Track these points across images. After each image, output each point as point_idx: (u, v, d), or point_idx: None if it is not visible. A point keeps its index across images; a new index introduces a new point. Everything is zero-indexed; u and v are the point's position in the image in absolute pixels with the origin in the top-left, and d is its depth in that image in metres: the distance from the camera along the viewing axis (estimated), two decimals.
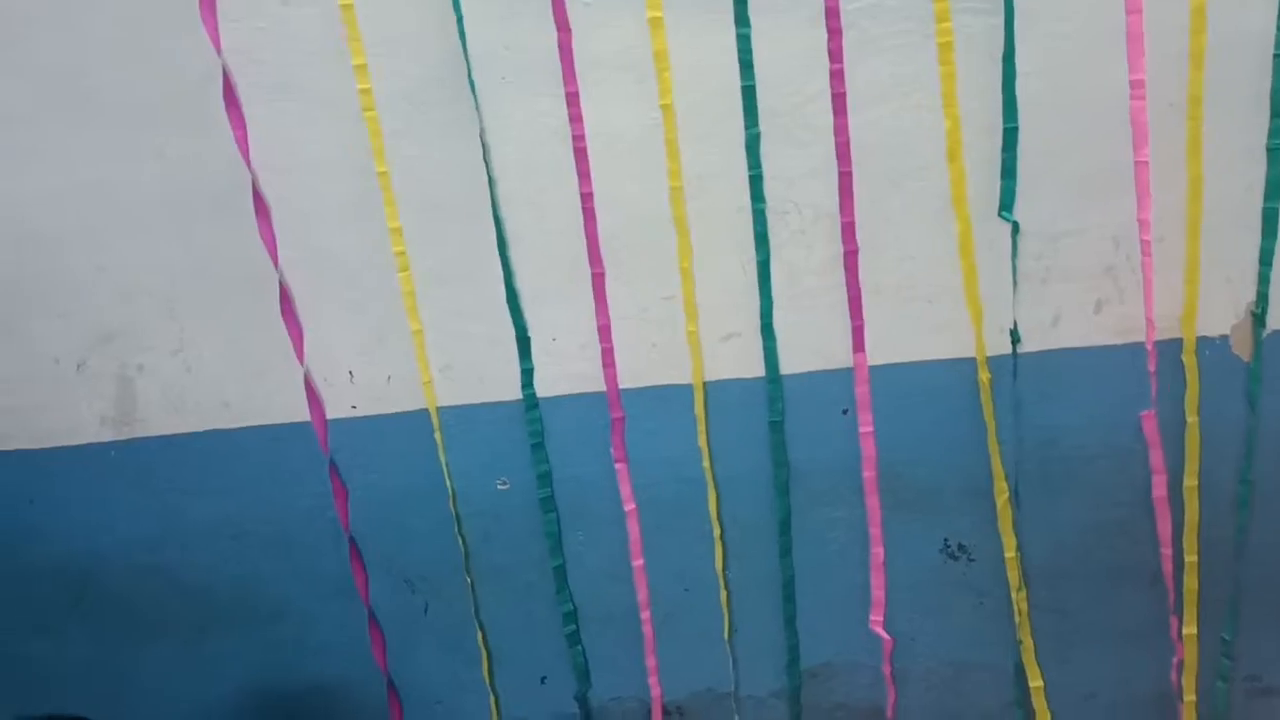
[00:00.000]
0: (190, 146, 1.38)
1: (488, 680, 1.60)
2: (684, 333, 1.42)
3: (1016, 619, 1.48)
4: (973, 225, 1.33)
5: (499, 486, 1.51)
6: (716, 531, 1.50)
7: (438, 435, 1.48)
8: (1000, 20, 1.26)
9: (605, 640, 1.58)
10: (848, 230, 1.35)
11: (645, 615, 1.55)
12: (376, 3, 1.30)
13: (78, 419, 1.52)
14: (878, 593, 1.51)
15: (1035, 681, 1.52)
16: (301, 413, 1.48)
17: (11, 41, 1.35)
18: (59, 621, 1.64)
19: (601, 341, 1.43)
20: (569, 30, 1.30)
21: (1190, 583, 1.44)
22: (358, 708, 1.46)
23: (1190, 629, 1.46)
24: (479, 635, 1.58)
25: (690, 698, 1.61)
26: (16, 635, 1.66)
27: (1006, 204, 1.32)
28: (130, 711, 1.67)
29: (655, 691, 1.60)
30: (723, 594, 1.53)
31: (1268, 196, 1.29)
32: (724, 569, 1.52)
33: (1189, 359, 1.35)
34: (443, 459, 1.49)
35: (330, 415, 1.48)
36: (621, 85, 1.32)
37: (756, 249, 1.37)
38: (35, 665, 1.66)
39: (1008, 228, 1.33)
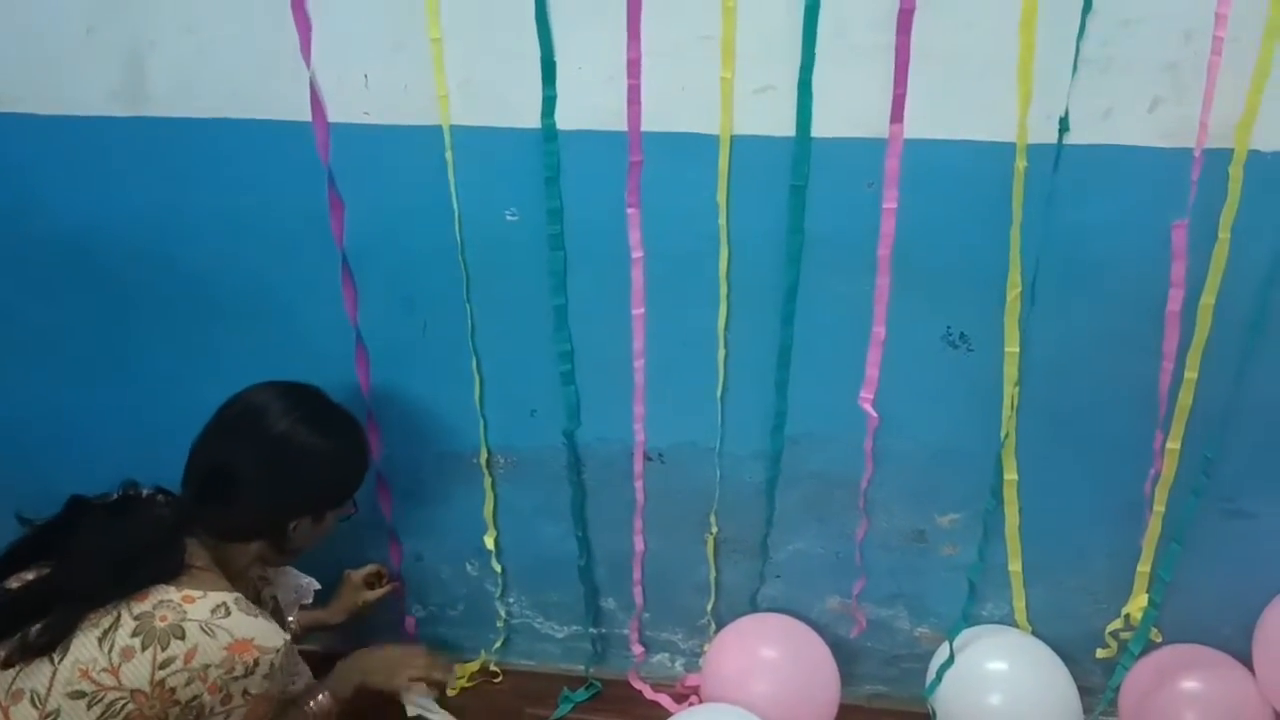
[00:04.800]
0: None
1: (478, 405, 1.63)
2: (717, 79, 1.35)
3: (1005, 413, 1.49)
4: None
5: (508, 217, 1.48)
6: (723, 290, 1.48)
7: (449, 154, 1.43)
8: None
9: (597, 383, 1.60)
10: None
11: (639, 364, 1.57)
12: None
13: (86, 89, 1.47)
14: (872, 370, 1.51)
15: (1010, 475, 1.55)
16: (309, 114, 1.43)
17: None
18: (59, 292, 1.66)
19: (629, 77, 1.36)
20: None
21: (1185, 399, 1.44)
22: None
23: (1174, 444, 1.47)
24: (474, 361, 1.60)
25: (673, 447, 1.64)
26: (19, 299, 1.68)
27: None
28: (128, 381, 1.72)
29: (639, 437, 1.63)
30: (720, 352, 1.53)
31: None
32: (725, 328, 1.51)
33: (1235, 170, 1.29)
34: (451, 180, 1.45)
35: (342, 119, 1.44)
36: None
37: None
38: (41, 330, 1.70)
39: (1078, 6, 1.24)
